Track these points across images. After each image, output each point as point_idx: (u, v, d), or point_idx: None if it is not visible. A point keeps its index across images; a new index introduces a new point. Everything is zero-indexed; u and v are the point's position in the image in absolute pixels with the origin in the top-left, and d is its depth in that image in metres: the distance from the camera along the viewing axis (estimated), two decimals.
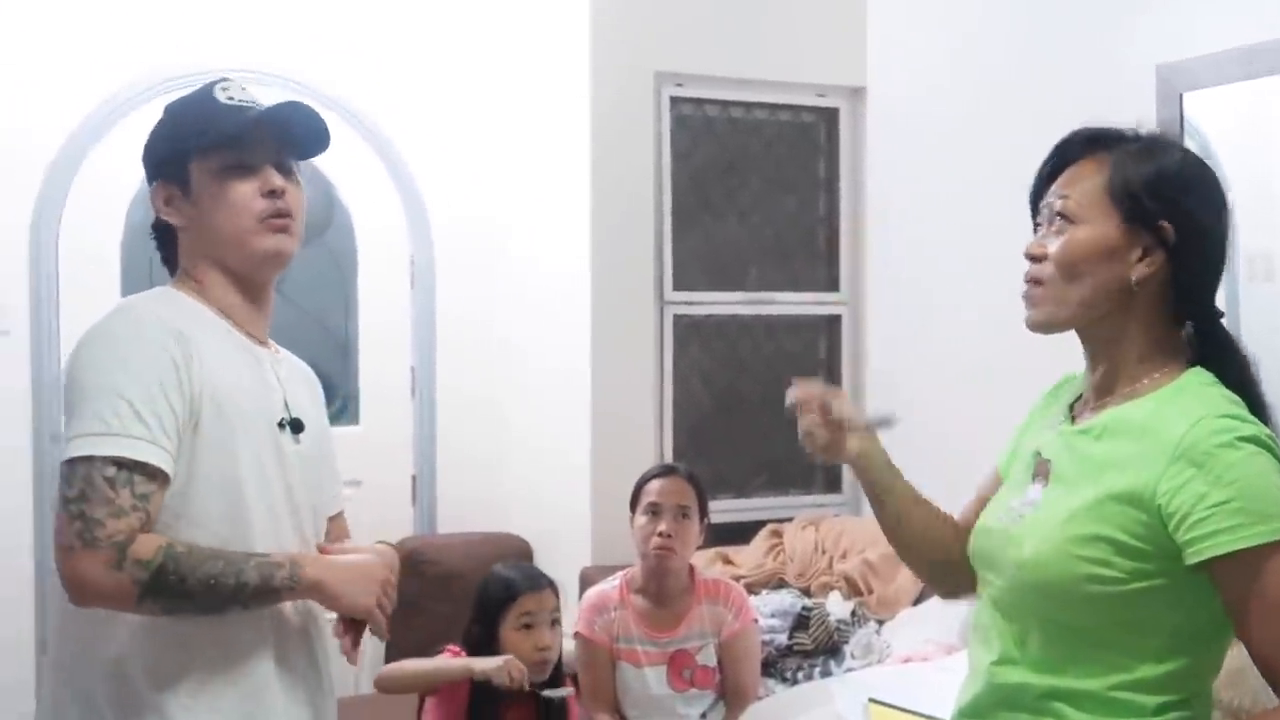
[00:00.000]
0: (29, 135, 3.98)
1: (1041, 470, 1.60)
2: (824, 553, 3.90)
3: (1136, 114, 3.11)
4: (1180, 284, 1.54)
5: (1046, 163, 1.64)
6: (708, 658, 3.00)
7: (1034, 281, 1.60)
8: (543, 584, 2.74)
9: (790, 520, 4.12)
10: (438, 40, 4.46)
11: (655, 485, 3.02)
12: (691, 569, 3.07)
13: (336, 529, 1.92)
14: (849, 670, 3.31)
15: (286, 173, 1.78)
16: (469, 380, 4.56)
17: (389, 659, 4.22)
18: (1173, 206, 1.53)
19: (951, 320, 3.95)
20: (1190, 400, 1.48)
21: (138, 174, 1.86)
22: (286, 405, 1.78)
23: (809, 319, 4.42)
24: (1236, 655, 1.58)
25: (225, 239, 1.76)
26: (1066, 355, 1.69)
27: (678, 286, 4.18)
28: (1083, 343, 1.62)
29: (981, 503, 1.74)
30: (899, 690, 2.68)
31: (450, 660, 2.64)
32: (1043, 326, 1.60)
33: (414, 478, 4.59)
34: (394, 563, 1.82)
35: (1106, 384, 1.58)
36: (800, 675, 3.35)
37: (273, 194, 1.76)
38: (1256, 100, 3.03)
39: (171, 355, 1.62)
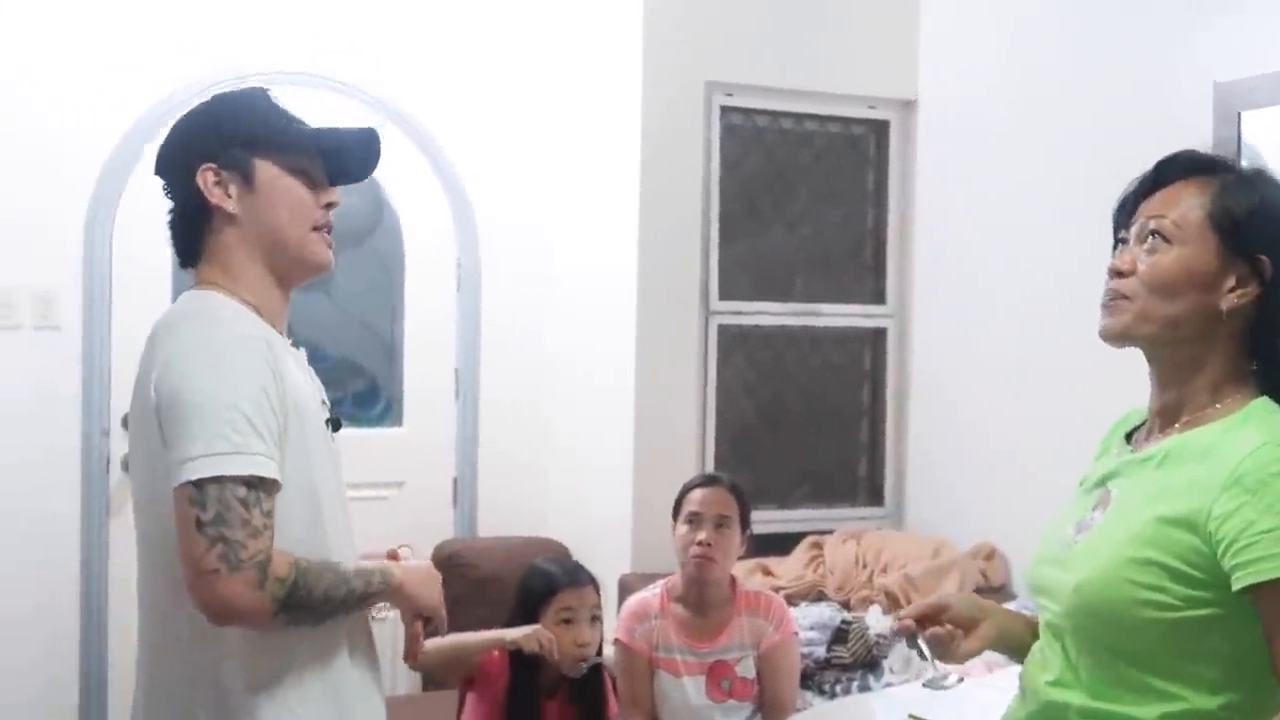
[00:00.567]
0: (84, 134, 4.04)
1: (1103, 500, 1.60)
2: (864, 566, 3.88)
3: (1193, 132, 3.09)
4: (1266, 317, 1.53)
5: (1143, 180, 1.62)
6: (747, 669, 2.99)
7: (1118, 295, 1.58)
8: (584, 580, 2.74)
9: (831, 532, 4.11)
10: (489, 46, 4.48)
11: (697, 495, 3.01)
12: (733, 580, 3.06)
13: None
14: (888, 685, 3.29)
15: None
16: (512, 385, 4.58)
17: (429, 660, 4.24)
18: (1272, 241, 1.52)
19: (998, 335, 3.93)
20: (1253, 428, 1.47)
21: None
22: (324, 403, 1.82)
23: (855, 331, 4.40)
24: None
25: (283, 237, 1.78)
26: (1114, 372, 1.68)
27: (724, 296, 4.17)
28: (1153, 364, 1.61)
29: None
30: (939, 706, 2.65)
31: (482, 633, 2.64)
32: (1118, 336, 1.58)
33: (455, 480, 4.61)
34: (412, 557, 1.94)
35: (1173, 410, 1.58)
36: (838, 689, 3.33)
37: (329, 207, 1.81)
38: None
39: (270, 365, 1.65)
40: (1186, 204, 1.56)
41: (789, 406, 4.36)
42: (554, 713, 2.69)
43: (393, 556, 1.89)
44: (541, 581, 2.72)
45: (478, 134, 4.52)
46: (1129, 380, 1.67)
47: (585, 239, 4.44)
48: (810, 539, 4.07)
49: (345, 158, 1.85)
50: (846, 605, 3.70)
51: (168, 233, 1.83)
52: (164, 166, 1.83)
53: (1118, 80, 3.50)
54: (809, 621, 3.45)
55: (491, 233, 4.56)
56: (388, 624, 2.00)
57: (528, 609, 2.69)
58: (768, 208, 4.30)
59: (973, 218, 4.06)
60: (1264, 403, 1.53)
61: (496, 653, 2.67)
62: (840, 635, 3.45)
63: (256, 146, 1.77)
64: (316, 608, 1.65)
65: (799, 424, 4.38)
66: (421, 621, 1.85)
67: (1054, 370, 3.62)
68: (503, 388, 4.59)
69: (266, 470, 1.60)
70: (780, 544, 4.06)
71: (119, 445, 4.04)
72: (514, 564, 4.18)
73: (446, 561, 4.36)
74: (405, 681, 4.26)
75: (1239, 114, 2.96)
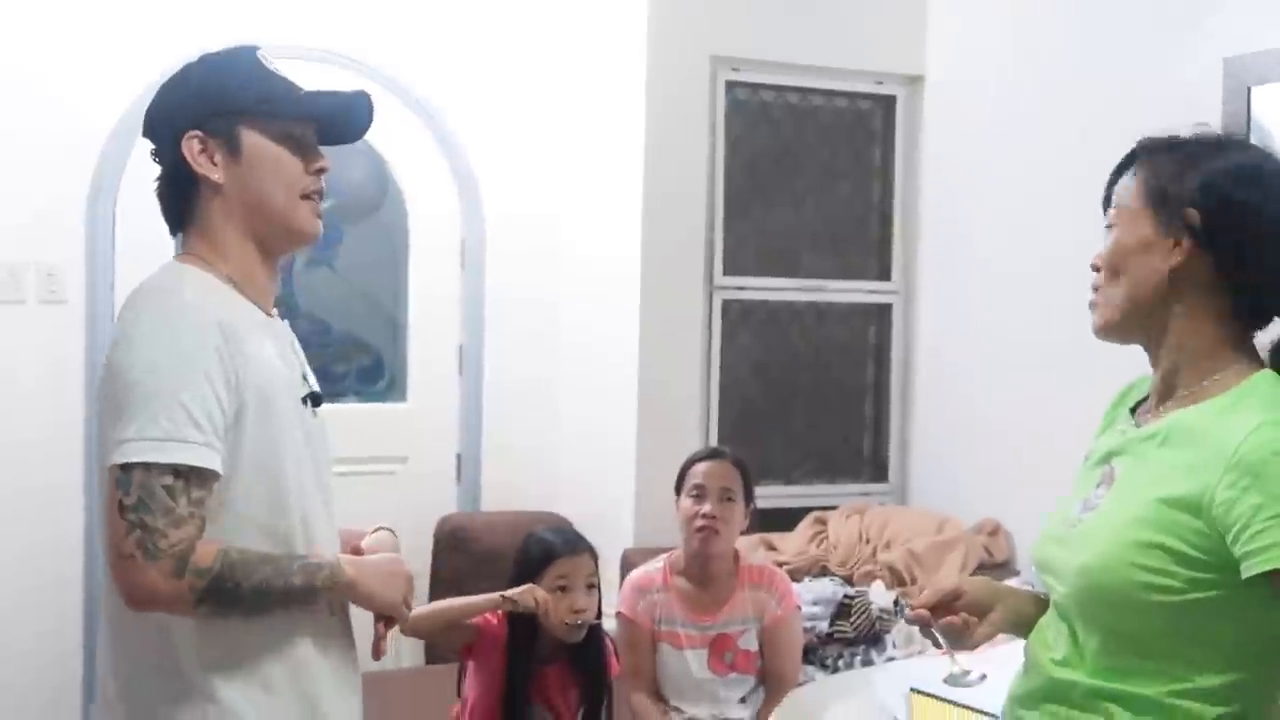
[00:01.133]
0: (87, 108, 4.02)
1: (1107, 477, 1.59)
2: (868, 542, 3.88)
3: (1202, 108, 3.07)
4: (1234, 277, 1.52)
5: (1118, 168, 1.64)
6: (749, 642, 3.00)
7: (1094, 289, 1.62)
8: (581, 548, 2.75)
9: (835, 508, 4.11)
10: (495, 22, 4.46)
11: (701, 468, 3.01)
12: (736, 554, 3.06)
13: None
14: (890, 659, 3.30)
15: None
16: (517, 361, 4.58)
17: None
18: (1202, 193, 1.52)
19: (1003, 311, 3.92)
20: (1253, 405, 1.46)
21: None
22: (305, 378, 1.79)
23: (860, 307, 4.39)
24: None
25: (270, 207, 1.74)
26: (1118, 350, 1.67)
27: (728, 271, 4.17)
28: (1143, 345, 1.61)
29: None
30: (940, 681, 2.65)
31: (475, 597, 2.64)
32: (1103, 332, 1.61)
33: (459, 456, 4.61)
34: (399, 547, 1.88)
35: (1168, 386, 1.57)
36: (841, 663, 3.34)
37: (319, 173, 1.77)
38: None
39: (219, 350, 1.60)
40: (1130, 185, 1.58)
41: (793, 382, 4.36)
42: (554, 678, 2.70)
43: (355, 550, 1.84)
44: (539, 549, 2.73)
45: (483, 110, 4.50)
46: (1132, 358, 1.66)
47: (590, 216, 4.43)
48: (814, 514, 4.07)
49: (336, 121, 1.81)
50: (850, 580, 3.71)
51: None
52: (150, 131, 1.78)
53: (1127, 56, 3.48)
54: (812, 596, 3.46)
55: (497, 209, 4.55)
56: None
57: (525, 577, 2.70)
58: (773, 183, 4.29)
59: (979, 194, 4.05)
60: (1265, 376, 1.51)
61: (495, 619, 2.69)
62: (843, 610, 3.45)
63: (242, 114, 1.72)
64: (246, 600, 1.60)
65: (803, 400, 4.38)
66: (384, 622, 1.80)
67: (1058, 347, 3.61)
68: (507, 364, 4.59)
69: (199, 459, 1.56)
70: (784, 520, 4.07)
71: None
72: (517, 539, 4.15)
73: (450, 537, 4.37)
74: (409, 654, 4.28)
75: (1249, 89, 2.95)
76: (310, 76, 1.84)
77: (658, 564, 3.09)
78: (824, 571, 3.78)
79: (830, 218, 4.37)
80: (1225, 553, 1.41)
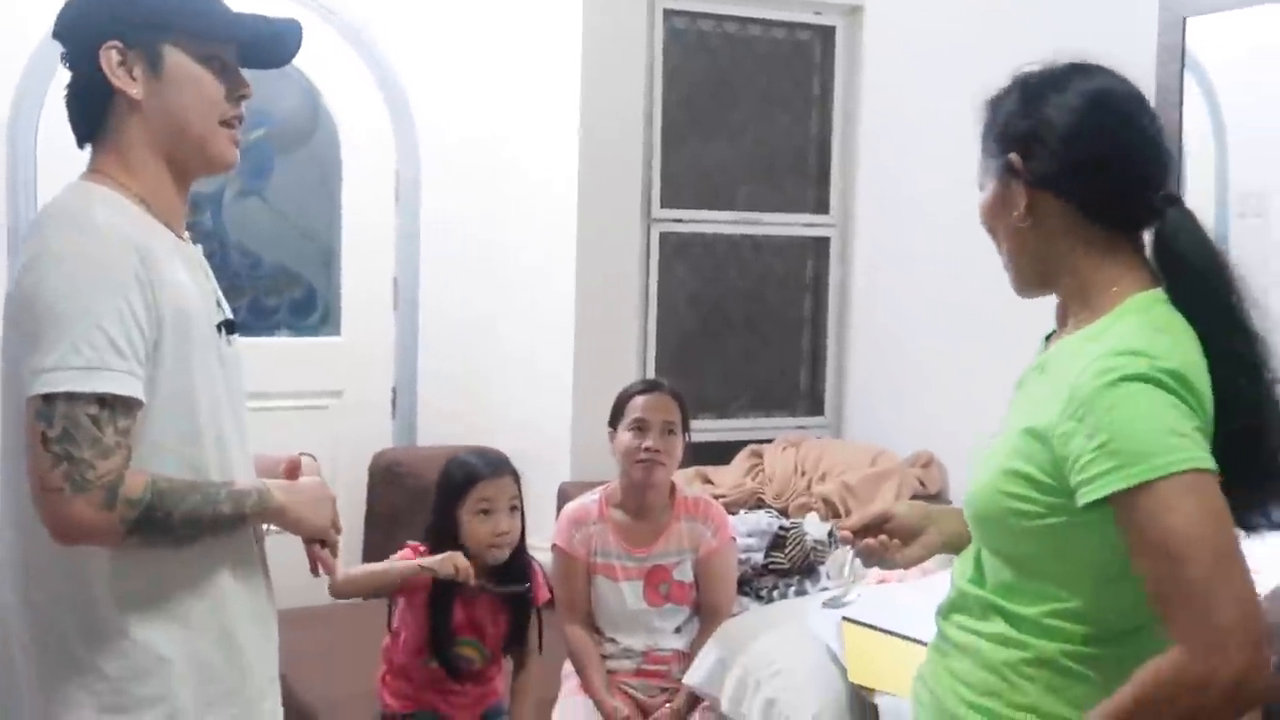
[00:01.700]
0: (6, 30, 3.89)
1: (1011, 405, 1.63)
2: (803, 474, 3.91)
3: (1138, 39, 3.06)
4: (1081, 202, 1.53)
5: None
6: (684, 574, 3.02)
7: None
8: (503, 471, 2.75)
9: (771, 441, 4.13)
10: None
11: (641, 401, 3.00)
12: (673, 486, 3.07)
13: None
14: (824, 590, 3.33)
15: None
16: (452, 293, 4.54)
17: None
18: (1012, 132, 1.56)
19: (940, 246, 3.93)
20: (1111, 333, 1.47)
21: None
22: (219, 304, 1.74)
23: (797, 240, 4.38)
24: None
25: (188, 130, 1.68)
26: None
27: (666, 204, 4.14)
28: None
29: None
30: (873, 610, 2.69)
31: (398, 562, 2.65)
32: (1020, 294, 1.65)
33: (394, 390, 4.58)
34: (320, 472, 1.86)
35: (1062, 317, 1.60)
36: (775, 594, 3.37)
37: (241, 99, 1.72)
38: (1257, 30, 2.98)
39: (137, 274, 1.55)
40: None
41: (730, 315, 4.36)
42: (484, 608, 2.73)
43: (291, 470, 1.82)
44: (460, 473, 2.73)
45: (417, 37, 4.41)
46: None
47: (527, 147, 4.37)
48: (750, 448, 4.09)
49: (262, 46, 1.75)
50: (785, 513, 3.73)
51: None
52: (64, 34, 1.69)
53: None
54: (747, 528, 3.48)
55: (432, 140, 4.48)
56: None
57: (447, 500, 2.71)
58: (711, 115, 4.25)
59: (918, 127, 4.04)
60: (1136, 300, 1.51)
61: (421, 552, 2.70)
62: (778, 542, 3.48)
63: (168, 30, 1.66)
64: (176, 529, 1.58)
65: (740, 333, 4.38)
66: (317, 545, 1.79)
67: (993, 280, 3.61)
68: (442, 297, 4.54)
69: (123, 388, 1.52)
70: (720, 453, 4.08)
71: None
72: None
73: (385, 471, 4.34)
74: None
75: (1184, 20, 2.94)
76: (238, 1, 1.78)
77: (593, 497, 3.09)
78: (759, 504, 3.80)
79: (768, 150, 4.34)
80: (1069, 481, 1.44)
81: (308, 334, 4.52)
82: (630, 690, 2.97)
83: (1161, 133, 1.56)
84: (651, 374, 4.07)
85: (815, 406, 4.42)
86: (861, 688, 2.46)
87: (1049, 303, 1.74)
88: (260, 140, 4.28)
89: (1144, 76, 3.09)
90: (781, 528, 3.52)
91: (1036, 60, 1.64)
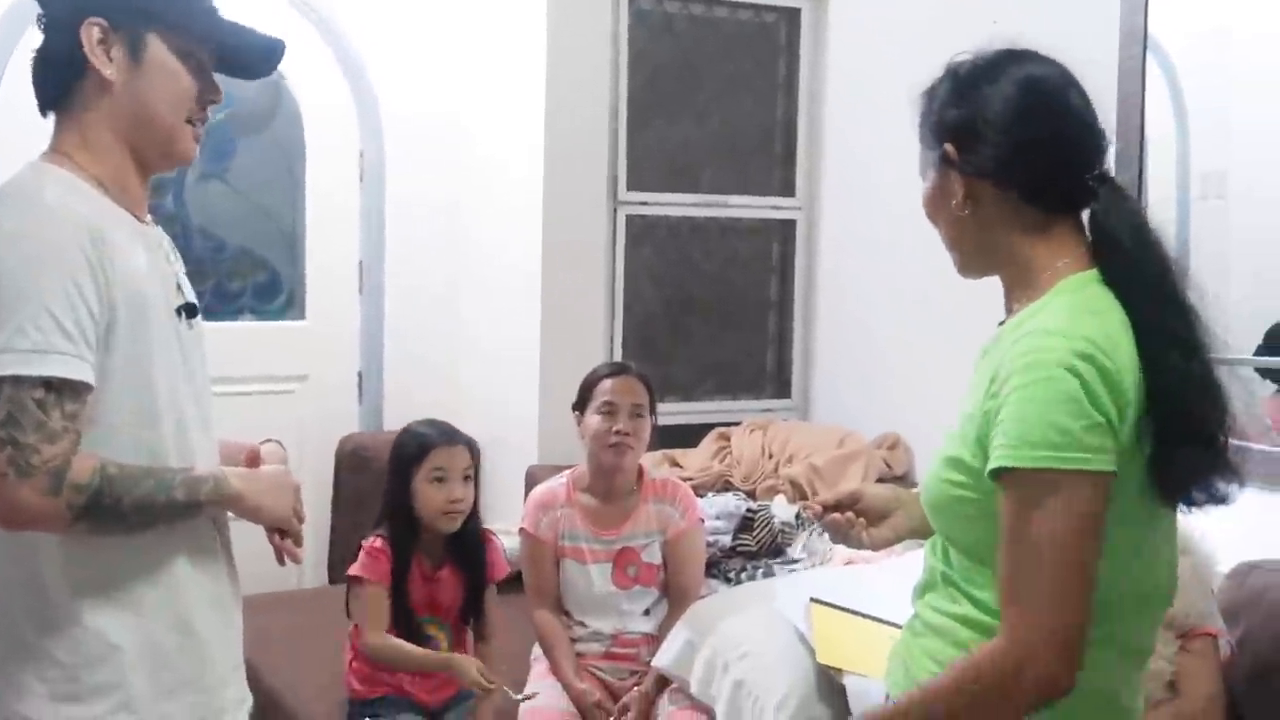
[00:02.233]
0: None
1: None
2: (770, 457, 3.92)
3: (1100, 23, 3.07)
4: (1015, 187, 1.53)
5: None
6: (653, 555, 3.02)
7: None
8: (457, 440, 2.79)
9: (738, 424, 4.14)
10: None
11: (609, 384, 3.00)
12: (640, 468, 3.07)
13: None
14: (792, 571, 3.34)
15: None
16: (418, 277, 4.52)
17: (334, 552, 4.24)
18: (945, 121, 1.58)
19: (906, 228, 3.93)
20: (1039, 316, 1.48)
21: None
22: (180, 288, 1.71)
23: (763, 223, 4.39)
24: (1180, 566, 1.60)
25: (155, 121, 1.66)
26: None
27: (631, 187, 4.13)
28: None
29: None
30: (840, 591, 2.70)
31: (431, 652, 2.74)
32: (963, 276, 1.65)
33: (360, 374, 4.56)
34: (287, 459, 1.83)
35: (1008, 304, 1.60)
36: (743, 576, 3.38)
37: (211, 104, 1.70)
38: (1218, 14, 3.00)
39: (88, 256, 1.52)
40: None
41: (697, 298, 4.36)
42: (446, 587, 2.79)
43: (251, 459, 1.80)
44: (414, 442, 2.78)
45: (380, 18, 4.39)
46: None
47: (491, 129, 4.35)
48: (717, 430, 4.09)
49: (241, 54, 1.73)
50: (752, 495, 3.74)
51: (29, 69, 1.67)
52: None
53: None
54: (715, 511, 3.49)
55: (396, 122, 4.46)
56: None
57: (402, 470, 2.75)
58: (677, 97, 4.24)
59: (883, 109, 4.04)
60: (1068, 282, 1.51)
61: (378, 541, 2.75)
62: (746, 524, 3.49)
63: (154, 18, 1.63)
64: (127, 516, 1.55)
65: (707, 316, 4.38)
66: (277, 534, 1.76)
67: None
68: (409, 280, 4.53)
69: (72, 371, 1.49)
70: (688, 435, 4.08)
71: None
72: None
73: (351, 456, 4.33)
74: (312, 577, 4.25)
75: (1146, 4, 2.95)
76: None
77: (560, 480, 3.08)
78: (727, 486, 3.81)
79: (734, 132, 4.34)
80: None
81: (272, 318, 4.49)
82: (599, 673, 2.97)
83: (1094, 114, 1.57)
84: (618, 357, 4.07)
85: (782, 389, 4.43)
86: (829, 668, 2.47)
87: None
88: (222, 122, 4.24)
89: (1106, 59, 3.14)
90: (749, 510, 3.53)
91: (968, 50, 1.64)
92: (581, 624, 3.01)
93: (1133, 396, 1.42)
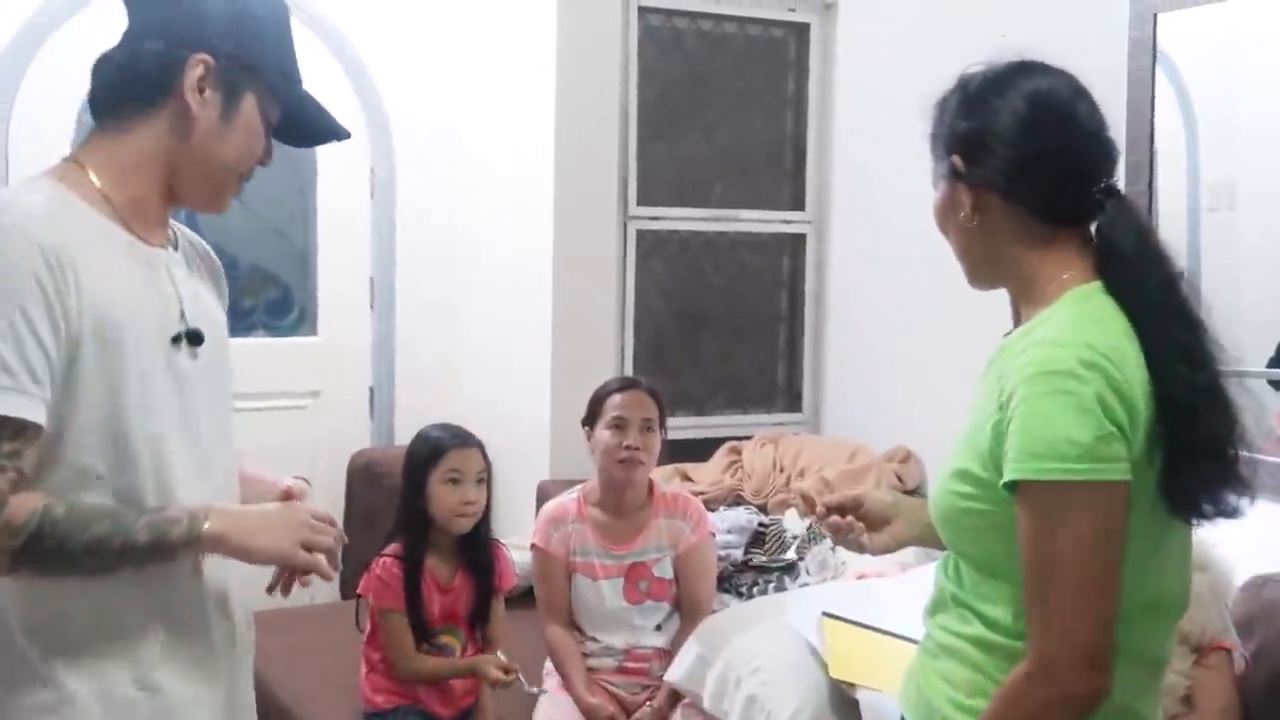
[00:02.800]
0: None
1: None
2: (782, 470, 3.91)
3: (1109, 38, 3.08)
4: (1022, 200, 1.54)
5: None
6: (664, 570, 3.02)
7: None
8: (471, 443, 2.85)
9: (749, 438, 4.13)
10: None
11: (619, 399, 3.00)
12: (651, 483, 3.07)
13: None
14: (804, 585, 3.34)
15: None
16: (429, 292, 4.53)
17: (346, 568, 4.24)
18: (954, 132, 1.59)
19: (916, 242, 3.92)
20: (1046, 329, 1.48)
21: None
22: (183, 315, 1.59)
23: (773, 237, 4.39)
24: (1197, 581, 1.60)
25: (216, 172, 1.62)
26: None
27: (642, 201, 4.14)
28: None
29: None
30: (852, 605, 2.70)
31: (458, 662, 2.79)
32: (972, 287, 1.66)
33: (372, 389, 4.57)
34: (307, 492, 1.76)
35: (1015, 316, 1.61)
36: (755, 590, 3.37)
37: (261, 164, 1.68)
38: (1226, 25, 3.00)
39: (41, 282, 1.42)
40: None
41: (707, 313, 4.36)
42: (460, 597, 2.83)
43: (286, 495, 1.71)
44: (427, 446, 2.82)
45: (390, 36, 4.41)
46: None
47: (502, 144, 4.37)
48: (729, 444, 4.09)
49: (304, 130, 1.71)
50: (764, 509, 3.74)
51: (91, 65, 1.58)
52: (157, 17, 1.58)
53: None
54: (726, 525, 3.48)
55: (406, 139, 4.48)
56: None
57: (416, 474, 2.78)
58: (687, 112, 4.25)
59: (893, 123, 4.05)
60: (1073, 294, 1.51)
61: (387, 560, 2.80)
62: (758, 538, 3.49)
63: (258, 78, 1.61)
64: (77, 560, 1.44)
65: (717, 330, 4.38)
66: (286, 572, 1.66)
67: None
68: (419, 296, 4.54)
69: (13, 408, 1.40)
70: (699, 450, 4.08)
71: None
72: None
73: (363, 471, 4.33)
74: (325, 592, 4.24)
75: (1155, 15, 2.96)
76: None
77: (571, 495, 3.09)
78: (739, 501, 3.81)
79: (744, 147, 4.34)
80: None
81: (284, 334, 4.51)
82: (612, 688, 2.97)
83: (1103, 126, 1.57)
84: (629, 372, 4.07)
85: (793, 403, 4.43)
86: (842, 683, 2.46)
87: None
88: None
89: (1115, 71, 3.14)
90: (761, 524, 3.53)
91: (980, 61, 1.64)
92: (593, 639, 3.01)
93: (1142, 407, 1.42)
